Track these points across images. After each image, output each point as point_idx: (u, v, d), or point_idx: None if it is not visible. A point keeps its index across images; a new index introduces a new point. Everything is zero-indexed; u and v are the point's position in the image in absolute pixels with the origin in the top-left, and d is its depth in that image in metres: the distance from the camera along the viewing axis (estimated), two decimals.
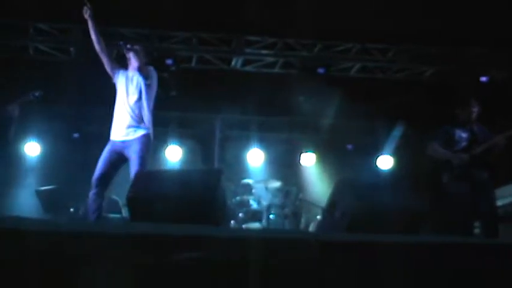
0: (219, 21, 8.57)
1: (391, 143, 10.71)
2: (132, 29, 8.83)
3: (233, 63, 9.53)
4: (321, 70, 9.31)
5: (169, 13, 8.06)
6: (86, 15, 5.64)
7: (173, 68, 8.97)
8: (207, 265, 2.76)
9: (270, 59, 9.56)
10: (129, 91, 5.72)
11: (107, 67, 5.80)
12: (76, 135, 10.29)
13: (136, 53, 5.78)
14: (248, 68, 9.64)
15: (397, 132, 10.46)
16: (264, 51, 9.42)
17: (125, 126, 5.65)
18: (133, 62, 5.79)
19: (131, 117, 5.67)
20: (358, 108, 9.48)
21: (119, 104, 5.73)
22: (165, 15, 8.20)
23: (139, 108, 5.70)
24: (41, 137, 9.89)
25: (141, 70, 5.73)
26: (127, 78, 5.76)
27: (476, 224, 6.36)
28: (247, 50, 9.31)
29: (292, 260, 2.91)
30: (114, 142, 5.70)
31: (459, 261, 3.07)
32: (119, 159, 5.69)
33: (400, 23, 8.36)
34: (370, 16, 8.10)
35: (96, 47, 5.75)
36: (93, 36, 5.71)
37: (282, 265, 2.87)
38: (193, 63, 9.45)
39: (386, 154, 10.91)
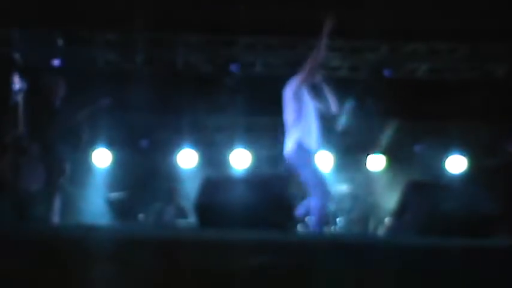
0: (284, 25, 8.55)
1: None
2: (196, 35, 8.91)
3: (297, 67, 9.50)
4: (387, 72, 9.20)
5: (232, 18, 8.09)
6: (326, 29, 5.67)
7: (238, 73, 9.04)
8: (274, 270, 2.74)
9: (336, 62, 9.48)
10: (313, 110, 5.84)
11: (303, 82, 5.86)
12: (144, 142, 10.45)
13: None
14: None
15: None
16: (329, 54, 9.34)
17: (317, 139, 5.78)
18: (328, 93, 5.98)
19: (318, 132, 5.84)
20: (427, 109, 9.31)
21: (310, 117, 5.84)
22: (228, 21, 8.24)
23: None
24: (110, 144, 10.08)
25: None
26: (310, 99, 5.91)
27: None
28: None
29: (361, 265, 2.86)
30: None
31: None
32: None
33: (468, 21, 8.16)
34: (437, 15, 7.95)
35: (315, 63, 5.81)
36: (322, 52, 5.75)
37: (350, 270, 2.83)
38: (257, 68, 9.47)
39: (457, 154, 10.66)
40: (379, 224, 9.22)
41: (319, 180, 5.58)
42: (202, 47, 9.03)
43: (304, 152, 5.65)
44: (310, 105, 5.83)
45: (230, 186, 4.95)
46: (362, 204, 9.29)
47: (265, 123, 10.77)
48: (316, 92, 6.08)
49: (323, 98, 6.04)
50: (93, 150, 9.89)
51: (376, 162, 10.94)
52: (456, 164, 10.70)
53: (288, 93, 5.88)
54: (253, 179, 5.71)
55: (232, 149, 10.32)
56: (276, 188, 4.79)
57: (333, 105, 6.01)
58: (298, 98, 5.80)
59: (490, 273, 2.89)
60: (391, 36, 8.94)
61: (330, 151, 10.58)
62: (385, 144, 10.90)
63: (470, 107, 9.42)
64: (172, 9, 7.77)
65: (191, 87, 9.09)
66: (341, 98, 9.06)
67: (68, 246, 2.75)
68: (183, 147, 10.21)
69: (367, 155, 10.94)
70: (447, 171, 10.68)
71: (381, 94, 9.44)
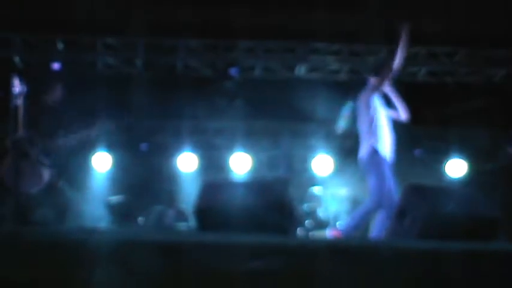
0: (283, 29, 8.56)
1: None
2: (198, 39, 8.91)
3: (296, 70, 9.51)
4: None
5: (232, 22, 8.10)
6: (403, 37, 5.71)
7: (237, 77, 9.05)
8: (273, 274, 2.74)
9: (335, 65, 9.49)
10: (386, 118, 5.93)
11: (380, 87, 5.89)
12: (144, 146, 10.43)
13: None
14: (312, 75, 9.60)
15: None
16: (329, 58, 9.35)
17: (391, 147, 5.92)
18: (396, 101, 6.13)
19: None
20: (427, 112, 9.30)
21: (383, 125, 5.90)
22: (227, 25, 8.25)
23: None
24: (110, 147, 10.06)
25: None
26: (383, 107, 5.99)
27: None
28: (312, 57, 9.27)
29: (360, 269, 2.86)
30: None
31: None
32: None
33: (467, 25, 8.18)
34: (436, 19, 7.96)
35: (390, 72, 5.86)
36: (400, 61, 5.80)
37: (350, 275, 2.82)
38: (257, 72, 9.47)
39: (456, 158, 10.63)
40: None
41: (382, 188, 5.64)
42: (202, 50, 9.04)
43: (377, 157, 5.73)
44: (383, 114, 5.88)
45: (230, 189, 4.95)
46: None
47: (265, 126, 10.78)
48: (386, 100, 6.15)
49: (392, 105, 6.12)
50: (93, 154, 9.88)
51: None
52: (456, 167, 10.68)
53: (361, 103, 5.94)
54: (253, 183, 5.71)
55: (233, 153, 10.30)
56: (276, 192, 4.79)
57: (403, 111, 6.06)
58: (370, 107, 5.85)
59: (491, 276, 2.89)
60: (391, 40, 8.94)
61: (329, 154, 10.58)
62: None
63: (470, 111, 9.42)
64: (172, 13, 7.78)
65: (191, 91, 9.10)
66: (340, 101, 9.12)
67: (69, 249, 2.75)
68: (183, 151, 10.20)
69: None
70: (447, 175, 10.67)
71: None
